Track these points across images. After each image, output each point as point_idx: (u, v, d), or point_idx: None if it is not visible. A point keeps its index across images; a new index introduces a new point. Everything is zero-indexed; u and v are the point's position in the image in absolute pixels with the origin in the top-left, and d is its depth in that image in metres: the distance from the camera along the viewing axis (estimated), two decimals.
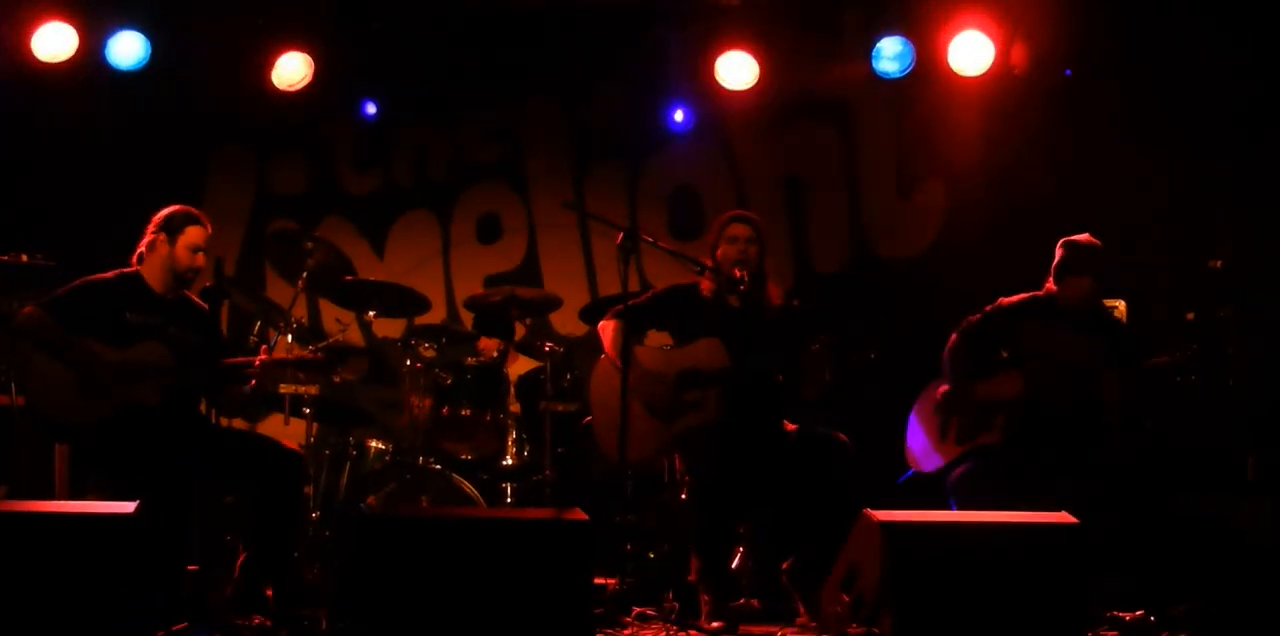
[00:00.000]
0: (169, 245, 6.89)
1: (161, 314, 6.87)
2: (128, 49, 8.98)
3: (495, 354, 8.41)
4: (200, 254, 6.92)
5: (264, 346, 7.17)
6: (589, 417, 7.40)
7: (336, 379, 8.11)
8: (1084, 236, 7.06)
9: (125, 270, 6.96)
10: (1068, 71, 9.05)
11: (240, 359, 6.97)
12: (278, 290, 9.32)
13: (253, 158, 9.88)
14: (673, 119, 9.65)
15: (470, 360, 8.34)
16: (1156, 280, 8.49)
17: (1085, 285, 7.02)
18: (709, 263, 7.14)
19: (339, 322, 8.38)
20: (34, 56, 8.87)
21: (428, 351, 8.31)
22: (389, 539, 5.59)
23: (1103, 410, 6.90)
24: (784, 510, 6.98)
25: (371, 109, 9.69)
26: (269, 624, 6.08)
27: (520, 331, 8.55)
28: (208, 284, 7.04)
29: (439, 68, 9.61)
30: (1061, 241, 7.09)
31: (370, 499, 7.83)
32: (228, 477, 6.88)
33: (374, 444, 8.21)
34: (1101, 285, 7.07)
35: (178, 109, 9.42)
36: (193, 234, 6.91)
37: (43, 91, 9.06)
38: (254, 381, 6.91)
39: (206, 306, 7.08)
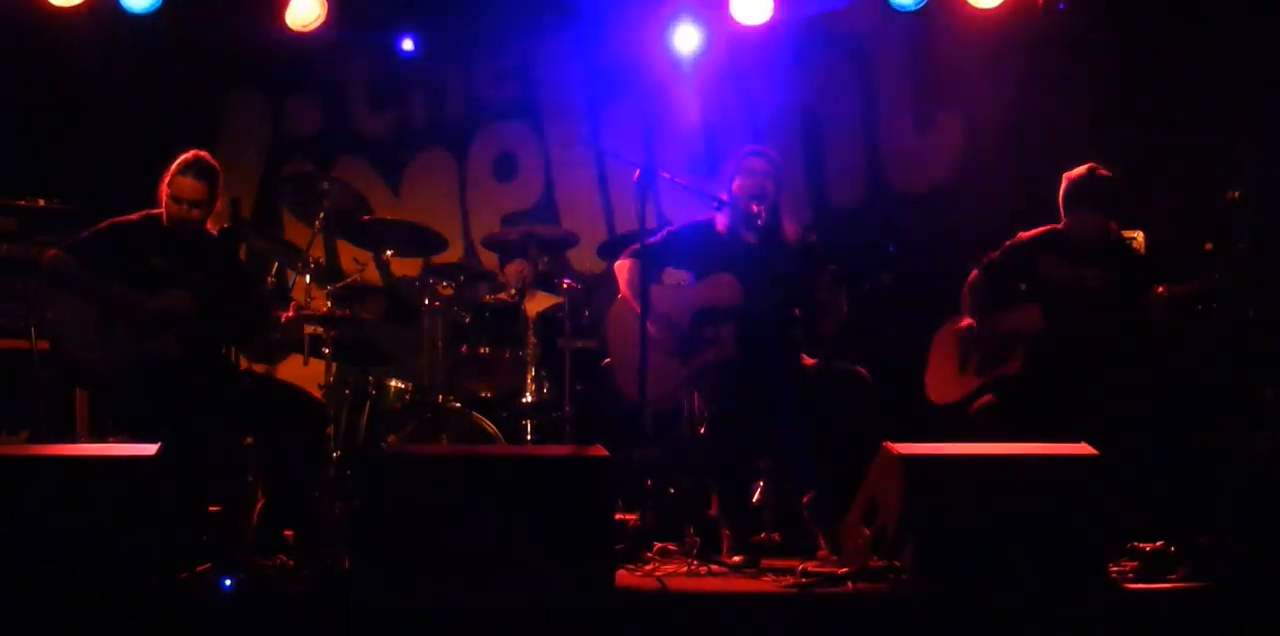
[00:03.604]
0: (163, 193, 6.86)
1: (186, 259, 6.84)
2: None
3: (527, 277, 8.34)
4: (188, 207, 6.79)
5: (293, 303, 7.20)
6: (608, 359, 7.38)
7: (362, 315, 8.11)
8: (1083, 169, 7.01)
9: (150, 212, 6.92)
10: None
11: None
12: (295, 231, 9.30)
13: (268, 99, 9.85)
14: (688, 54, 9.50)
15: (488, 298, 8.33)
16: (1174, 211, 8.46)
17: (1091, 220, 6.99)
18: (725, 197, 7.13)
19: (356, 262, 8.36)
20: (47, 0, 8.83)
21: (446, 290, 8.32)
22: (409, 477, 5.61)
23: (1123, 339, 6.89)
24: (804, 444, 6.96)
25: (409, 44, 9.57)
26: (290, 564, 6.09)
27: (538, 269, 8.54)
28: (225, 226, 7.01)
29: (452, 6, 9.54)
30: (1064, 176, 7.05)
31: (390, 438, 7.85)
32: (247, 426, 6.90)
33: (393, 383, 8.22)
34: (1108, 218, 7.04)
35: (192, 51, 9.38)
36: (176, 186, 6.80)
37: (57, 35, 9.03)
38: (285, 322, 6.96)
39: (229, 249, 7.05)
